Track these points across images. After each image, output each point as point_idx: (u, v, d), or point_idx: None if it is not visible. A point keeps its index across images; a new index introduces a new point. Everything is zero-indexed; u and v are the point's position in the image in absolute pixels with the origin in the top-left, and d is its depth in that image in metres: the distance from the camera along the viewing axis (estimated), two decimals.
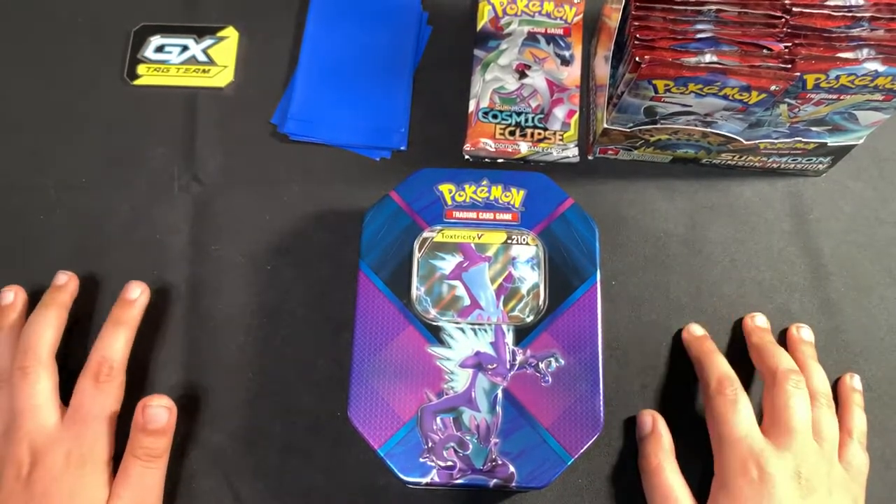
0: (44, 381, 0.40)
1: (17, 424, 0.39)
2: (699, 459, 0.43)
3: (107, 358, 0.41)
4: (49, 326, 0.42)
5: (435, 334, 0.40)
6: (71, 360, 0.44)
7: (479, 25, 0.53)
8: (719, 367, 0.42)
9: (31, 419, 0.39)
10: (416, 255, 0.42)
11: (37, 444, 0.38)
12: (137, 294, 0.45)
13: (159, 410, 0.40)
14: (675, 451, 0.42)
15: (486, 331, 0.40)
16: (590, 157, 0.51)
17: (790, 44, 0.39)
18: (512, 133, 0.50)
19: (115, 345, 0.42)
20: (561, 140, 0.50)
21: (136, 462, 0.39)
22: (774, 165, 0.50)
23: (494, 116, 0.51)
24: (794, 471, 0.38)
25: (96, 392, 0.40)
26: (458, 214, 0.43)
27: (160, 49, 0.54)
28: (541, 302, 0.41)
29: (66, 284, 0.45)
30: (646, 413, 0.44)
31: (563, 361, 0.40)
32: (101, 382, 0.40)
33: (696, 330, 0.46)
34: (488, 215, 0.43)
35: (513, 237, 0.43)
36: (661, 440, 0.42)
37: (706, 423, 0.43)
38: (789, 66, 0.38)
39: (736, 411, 0.40)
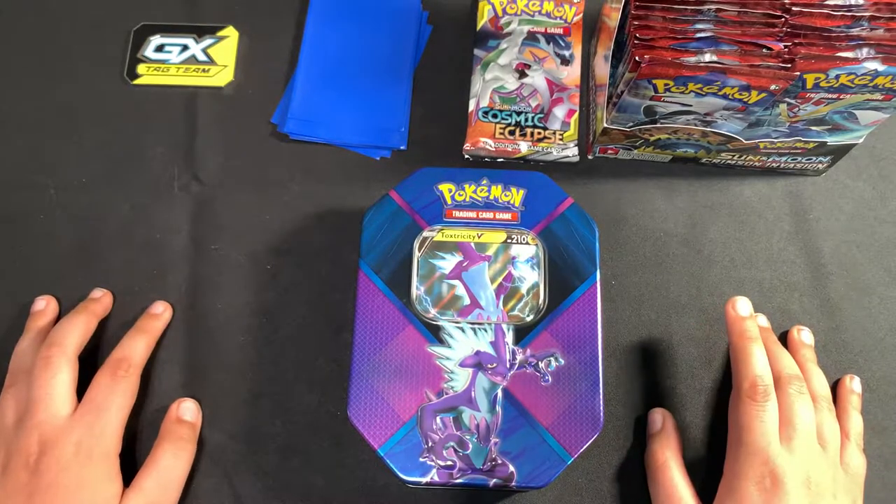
0: (64, 373, 0.40)
1: (30, 413, 0.39)
2: (700, 459, 0.43)
3: (127, 357, 0.42)
4: (78, 328, 0.43)
5: (435, 334, 0.40)
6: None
7: (479, 25, 0.53)
8: (755, 365, 0.40)
9: (44, 409, 0.39)
10: (416, 254, 0.42)
11: (47, 434, 0.38)
12: (161, 310, 0.47)
13: (190, 405, 0.44)
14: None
15: (485, 330, 0.40)
16: (590, 157, 0.51)
17: (790, 43, 0.39)
18: (512, 132, 0.50)
19: (136, 347, 0.43)
20: (561, 139, 0.50)
21: (165, 448, 0.41)
22: (774, 165, 0.50)
23: (494, 116, 0.51)
24: (804, 477, 0.37)
25: (113, 386, 0.41)
26: (457, 214, 0.43)
27: (160, 48, 0.54)
28: (541, 301, 0.41)
29: (101, 298, 0.47)
30: (657, 411, 0.44)
31: (562, 361, 0.40)
32: (119, 377, 0.41)
33: (741, 307, 0.43)
34: (488, 215, 0.43)
35: (513, 236, 0.43)
36: (670, 438, 0.42)
37: (717, 420, 0.43)
38: (789, 65, 0.38)
39: (762, 421, 0.39)
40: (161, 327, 0.46)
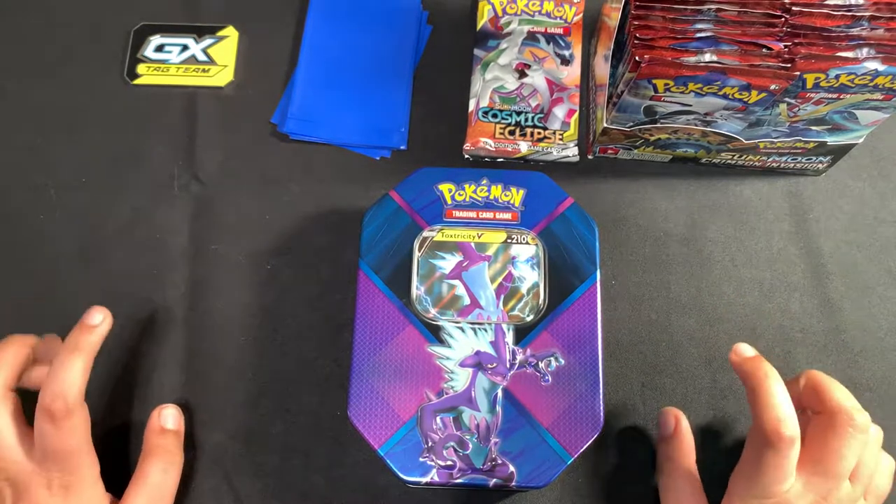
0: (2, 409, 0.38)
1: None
2: (699, 460, 0.43)
3: (59, 394, 0.36)
4: (11, 357, 0.39)
5: (435, 334, 0.40)
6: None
7: (479, 25, 0.53)
8: (779, 405, 0.35)
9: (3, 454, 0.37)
10: (416, 254, 0.42)
11: (13, 478, 0.37)
12: (99, 320, 0.40)
13: (171, 411, 0.43)
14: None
15: (485, 330, 0.40)
16: (590, 157, 0.51)
17: (790, 43, 0.39)
18: (512, 132, 0.50)
19: (69, 376, 0.37)
20: (561, 139, 0.50)
21: (153, 462, 0.40)
22: (774, 165, 0.49)
23: (494, 116, 0.51)
24: None
25: (58, 432, 0.36)
26: (457, 214, 0.43)
27: (160, 48, 0.54)
28: (541, 301, 0.41)
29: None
30: (669, 412, 0.43)
31: (562, 361, 0.40)
32: (59, 421, 0.36)
33: (745, 350, 0.39)
34: (488, 214, 0.43)
35: (513, 236, 0.43)
36: (683, 443, 0.41)
37: (717, 421, 0.42)
38: (789, 65, 0.38)
39: (781, 468, 0.35)
40: (97, 342, 0.39)
